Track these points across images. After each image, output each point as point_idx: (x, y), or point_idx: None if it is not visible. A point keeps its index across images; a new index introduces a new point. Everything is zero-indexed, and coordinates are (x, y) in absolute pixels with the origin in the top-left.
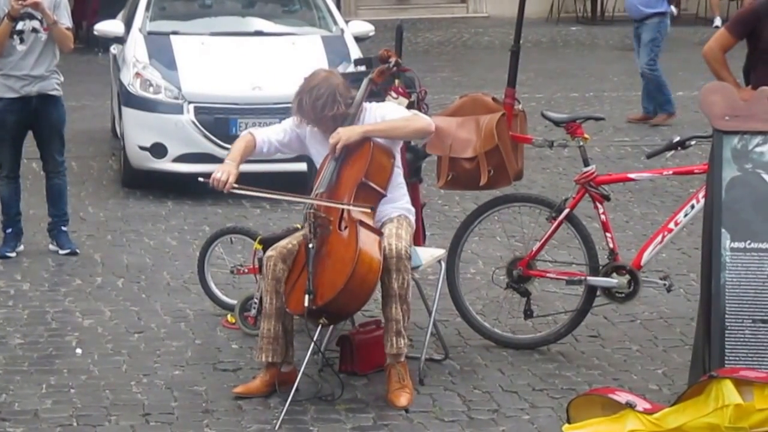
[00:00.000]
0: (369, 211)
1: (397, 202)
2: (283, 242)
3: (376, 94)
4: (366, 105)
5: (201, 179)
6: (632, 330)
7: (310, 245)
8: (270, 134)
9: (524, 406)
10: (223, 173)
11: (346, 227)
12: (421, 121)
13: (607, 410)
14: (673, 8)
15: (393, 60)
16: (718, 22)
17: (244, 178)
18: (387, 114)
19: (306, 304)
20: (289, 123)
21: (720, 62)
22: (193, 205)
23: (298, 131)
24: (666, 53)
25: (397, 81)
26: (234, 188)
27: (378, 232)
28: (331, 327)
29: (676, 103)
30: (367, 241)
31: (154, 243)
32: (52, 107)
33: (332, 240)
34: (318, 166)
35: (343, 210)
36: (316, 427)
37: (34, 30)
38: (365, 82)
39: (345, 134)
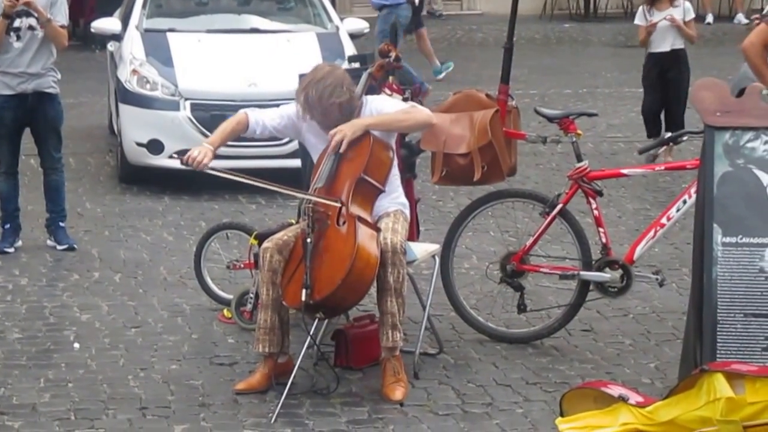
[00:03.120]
0: (338, 205)
1: (393, 196)
2: (279, 234)
3: (372, 90)
4: (364, 98)
5: (175, 155)
6: (625, 324)
7: (308, 240)
8: (265, 117)
9: (518, 399)
10: (200, 153)
11: (344, 222)
12: (422, 113)
13: (599, 403)
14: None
15: (393, 54)
16: (710, 19)
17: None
18: (383, 107)
19: (303, 298)
20: (287, 110)
21: (762, 58)
22: (190, 201)
23: (296, 121)
24: None
25: (391, 78)
26: (208, 169)
27: (375, 227)
28: (326, 321)
29: None
30: (365, 236)
31: (151, 238)
32: (48, 105)
33: (330, 234)
34: (314, 160)
35: (341, 205)
36: (312, 421)
37: (31, 27)
38: (365, 76)
39: (349, 130)
